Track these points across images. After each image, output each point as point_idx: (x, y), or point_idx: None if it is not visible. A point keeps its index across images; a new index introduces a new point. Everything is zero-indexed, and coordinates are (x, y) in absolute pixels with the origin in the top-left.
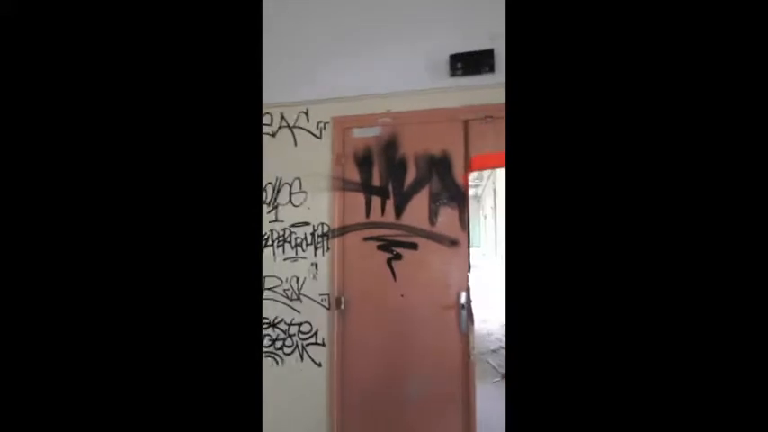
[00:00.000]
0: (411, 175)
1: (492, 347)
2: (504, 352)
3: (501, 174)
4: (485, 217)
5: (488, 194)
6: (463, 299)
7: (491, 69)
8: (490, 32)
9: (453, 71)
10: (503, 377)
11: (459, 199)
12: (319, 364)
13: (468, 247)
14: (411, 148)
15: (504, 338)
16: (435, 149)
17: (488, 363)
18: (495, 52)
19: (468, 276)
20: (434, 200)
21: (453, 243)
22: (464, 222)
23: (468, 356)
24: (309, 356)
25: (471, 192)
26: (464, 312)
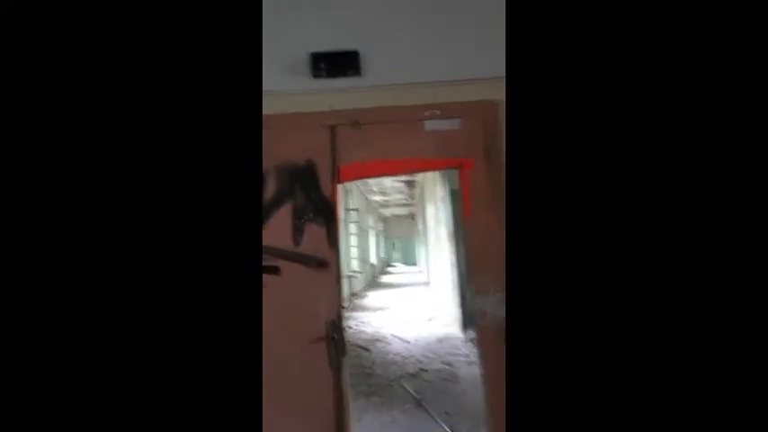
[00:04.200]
0: (272, 188)
1: (411, 371)
2: (424, 375)
3: (430, 193)
4: (418, 233)
5: (420, 213)
6: (333, 329)
7: (357, 72)
8: (356, 31)
9: (316, 72)
10: (418, 403)
11: (328, 214)
12: None
13: (339, 268)
14: (272, 157)
15: (425, 360)
16: (299, 158)
17: (404, 388)
18: (361, 53)
19: (339, 302)
20: (299, 216)
21: (321, 264)
22: (333, 240)
23: (342, 396)
24: None
25: (405, 210)
26: (334, 345)
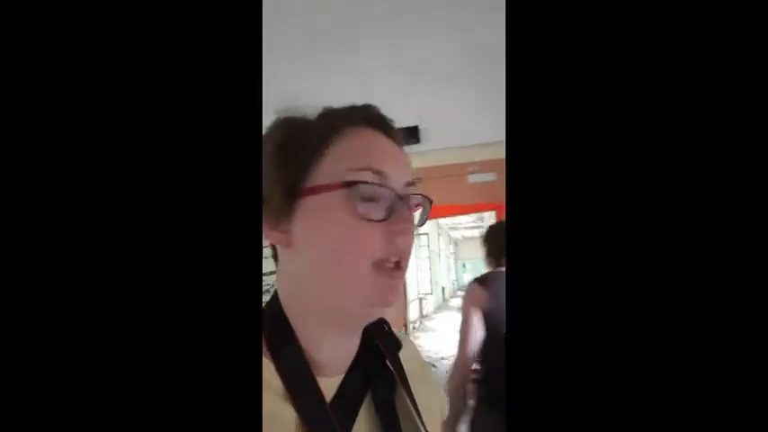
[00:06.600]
0: None
1: None
2: None
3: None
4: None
5: None
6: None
7: (417, 141)
8: (417, 110)
9: None
10: None
11: None
12: None
13: (405, 291)
14: None
15: None
16: None
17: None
18: (420, 127)
19: (405, 319)
20: None
21: None
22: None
23: None
24: None
25: (475, 232)
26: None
